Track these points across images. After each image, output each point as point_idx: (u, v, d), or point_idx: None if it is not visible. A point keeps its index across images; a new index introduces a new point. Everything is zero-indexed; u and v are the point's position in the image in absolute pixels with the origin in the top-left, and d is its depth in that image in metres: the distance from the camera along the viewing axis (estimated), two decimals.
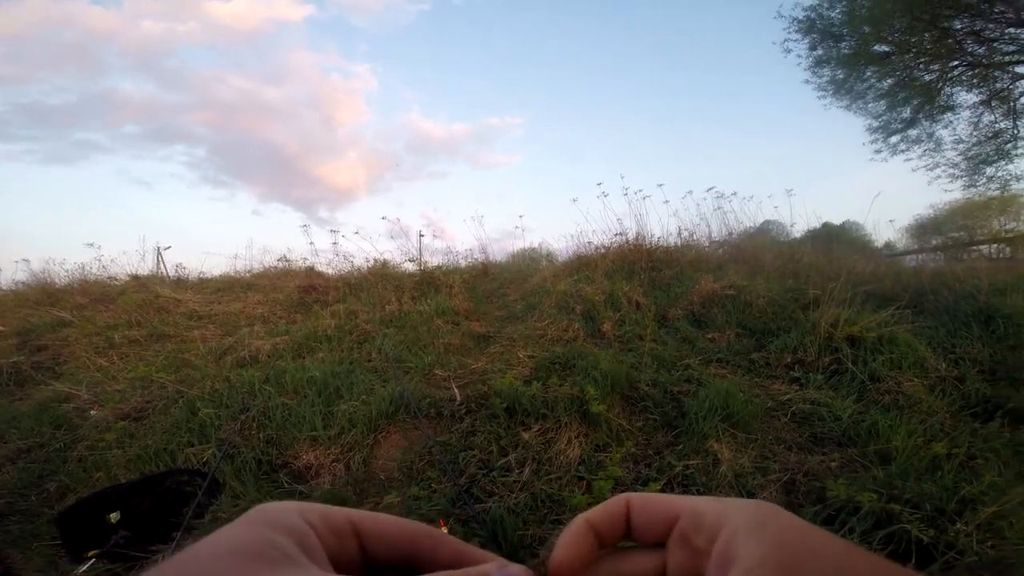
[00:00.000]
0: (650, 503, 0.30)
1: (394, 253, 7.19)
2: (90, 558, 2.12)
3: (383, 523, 0.29)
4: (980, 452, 2.54)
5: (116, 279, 7.41)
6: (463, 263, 7.54)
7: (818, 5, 9.81)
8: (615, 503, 0.31)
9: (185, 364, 4.28)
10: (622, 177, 8.81)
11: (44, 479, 3.02)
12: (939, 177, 10.11)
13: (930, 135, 10.02)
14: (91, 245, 7.88)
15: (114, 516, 2.29)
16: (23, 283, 7.46)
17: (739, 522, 0.25)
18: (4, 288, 7.46)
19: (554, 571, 0.29)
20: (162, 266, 8.09)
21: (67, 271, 7.70)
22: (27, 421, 3.62)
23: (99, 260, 7.78)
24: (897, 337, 3.57)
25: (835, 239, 7.09)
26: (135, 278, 7.39)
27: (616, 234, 6.20)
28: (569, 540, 0.30)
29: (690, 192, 8.33)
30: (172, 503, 2.48)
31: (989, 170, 9.69)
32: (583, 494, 2.36)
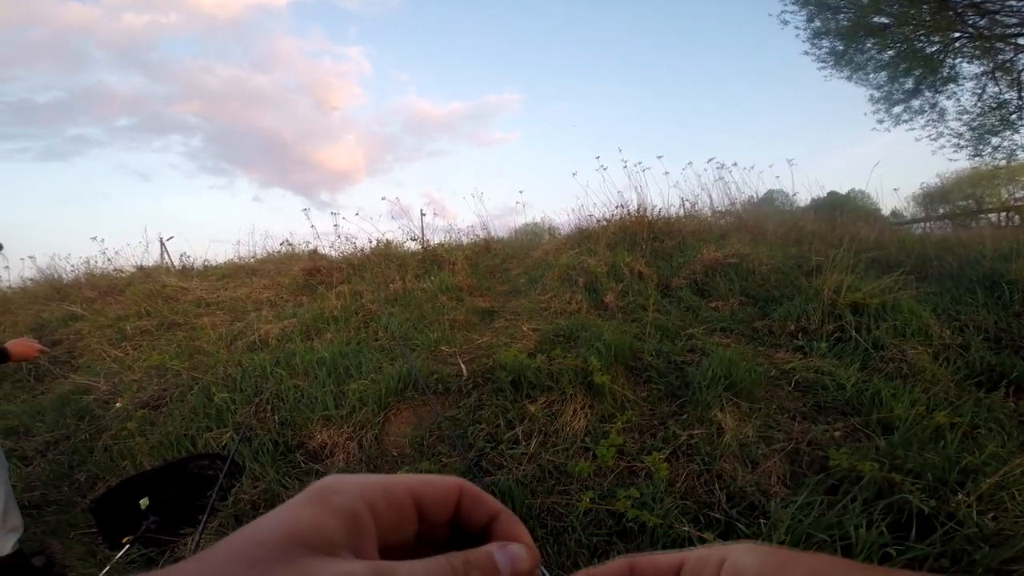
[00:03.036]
0: (656, 560, 0.32)
1: (396, 233, 7.22)
2: (125, 544, 2.21)
3: (437, 486, 0.31)
4: (984, 422, 2.51)
5: (122, 271, 7.49)
6: (465, 240, 7.56)
7: None
8: (617, 565, 0.33)
9: (197, 351, 4.36)
10: (620, 150, 8.69)
11: (74, 470, 3.12)
12: (943, 147, 10.03)
13: (933, 105, 9.90)
14: (95, 239, 7.94)
15: (144, 502, 2.38)
16: (31, 280, 7.56)
17: (739, 549, 0.29)
18: (13, 286, 7.55)
19: None
20: (167, 256, 8.16)
21: (73, 266, 7.82)
22: (51, 414, 3.72)
23: (104, 253, 7.88)
24: (901, 304, 3.55)
25: (840, 208, 7.02)
26: (141, 269, 7.47)
27: (617, 206, 6.17)
28: None
29: (690, 163, 8.28)
30: (195, 487, 2.57)
31: (995, 140, 9.60)
32: (588, 462, 2.42)
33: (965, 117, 9.68)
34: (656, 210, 6.12)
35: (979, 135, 9.63)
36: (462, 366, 3.41)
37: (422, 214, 7.68)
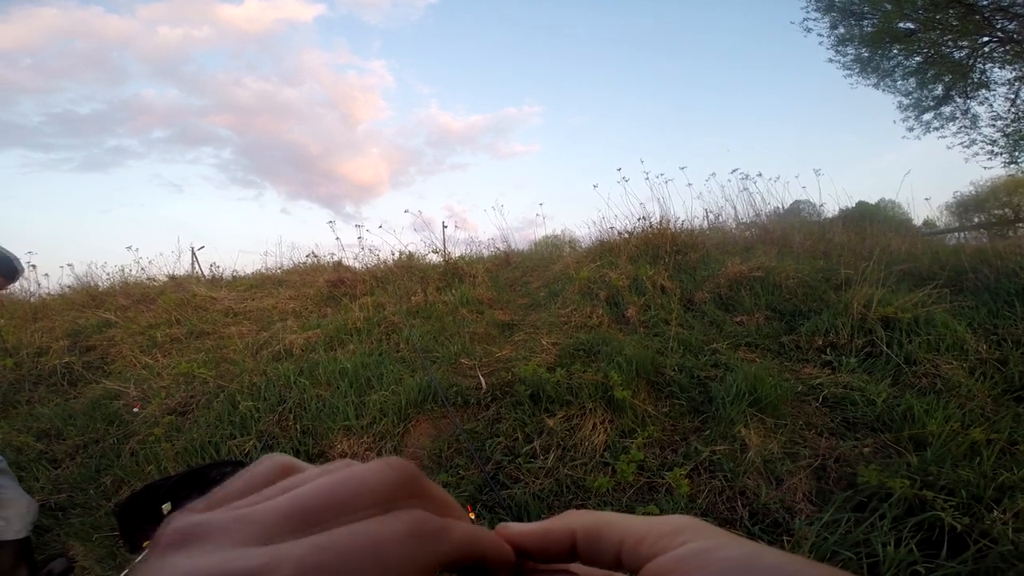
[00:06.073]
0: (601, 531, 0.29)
1: (418, 245, 7.31)
2: (145, 547, 2.26)
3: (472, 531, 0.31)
4: (1022, 438, 2.41)
5: (155, 280, 7.73)
6: (486, 253, 7.61)
7: None
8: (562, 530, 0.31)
9: (224, 359, 4.45)
10: (642, 161, 8.63)
11: (100, 473, 3.21)
12: (977, 154, 9.67)
13: (965, 112, 9.58)
14: (130, 248, 8.25)
15: (166, 507, 2.42)
16: (69, 287, 7.84)
17: (699, 529, 0.25)
18: (52, 292, 7.86)
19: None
20: (197, 266, 8.40)
21: (108, 274, 8.08)
22: (82, 418, 3.84)
23: (138, 262, 8.15)
24: (934, 318, 3.44)
25: (869, 218, 6.84)
26: (172, 278, 7.69)
27: (639, 218, 6.12)
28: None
29: (713, 174, 8.16)
30: None
31: None
32: (607, 478, 2.38)
33: (999, 123, 9.36)
34: (679, 222, 6.05)
35: (1014, 141, 9.29)
36: (481, 379, 3.42)
37: (444, 227, 7.78)
